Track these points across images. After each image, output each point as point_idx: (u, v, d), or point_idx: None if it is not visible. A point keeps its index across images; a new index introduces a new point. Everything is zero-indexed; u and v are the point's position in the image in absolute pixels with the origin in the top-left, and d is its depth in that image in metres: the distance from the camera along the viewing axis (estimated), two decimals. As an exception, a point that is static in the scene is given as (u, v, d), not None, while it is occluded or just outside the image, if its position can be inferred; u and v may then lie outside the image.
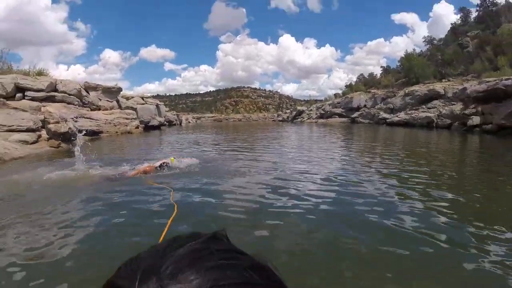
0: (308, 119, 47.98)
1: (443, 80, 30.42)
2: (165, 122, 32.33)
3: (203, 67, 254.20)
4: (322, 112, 46.23)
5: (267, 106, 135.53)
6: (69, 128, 11.92)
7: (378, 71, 50.79)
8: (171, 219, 3.36)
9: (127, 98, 27.63)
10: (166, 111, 37.97)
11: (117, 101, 24.50)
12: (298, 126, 37.43)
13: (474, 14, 40.10)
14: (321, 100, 61.03)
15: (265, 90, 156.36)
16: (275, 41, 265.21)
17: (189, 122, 53.04)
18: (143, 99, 30.00)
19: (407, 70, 36.46)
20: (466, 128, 19.58)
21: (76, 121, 15.54)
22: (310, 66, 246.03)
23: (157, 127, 27.41)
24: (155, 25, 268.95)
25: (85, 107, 20.16)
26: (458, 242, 3.05)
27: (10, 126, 10.36)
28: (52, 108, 14.73)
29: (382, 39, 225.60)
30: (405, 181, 5.99)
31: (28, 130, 10.56)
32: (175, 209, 3.68)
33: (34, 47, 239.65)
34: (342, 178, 6.05)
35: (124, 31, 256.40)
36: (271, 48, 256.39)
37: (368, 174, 6.64)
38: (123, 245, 2.91)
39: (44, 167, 6.87)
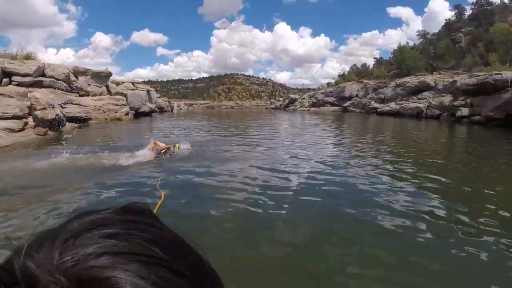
0: (301, 107, 48.12)
1: (434, 72, 30.89)
2: (156, 109, 31.84)
3: (196, 52, 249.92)
4: (315, 100, 46.43)
5: (260, 93, 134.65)
6: (57, 115, 11.68)
7: (371, 62, 50.87)
8: (157, 205, 3.46)
9: (117, 84, 26.84)
10: (157, 97, 37.32)
11: (107, 87, 23.82)
12: (291, 114, 37.73)
13: (468, 11, 40.50)
14: (314, 89, 61.46)
15: (258, 77, 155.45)
16: (270, 28, 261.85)
17: (180, 108, 52.59)
18: (133, 85, 29.21)
19: (399, 62, 36.85)
20: (455, 119, 20.27)
21: (64, 108, 15.26)
22: (304, 55, 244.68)
23: (148, 114, 26.95)
24: (149, 7, 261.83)
25: (73, 92, 19.63)
26: (444, 226, 3.34)
27: (-4, 113, 10.12)
28: (39, 93, 14.38)
29: (376, 31, 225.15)
30: (394, 166, 6.31)
31: (14, 117, 10.27)
32: (162, 196, 3.80)
33: (24, 29, 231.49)
34: (332, 164, 6.32)
35: (117, 13, 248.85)
36: (266, 35, 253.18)
37: (358, 161, 6.91)
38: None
39: (33, 156, 6.78)
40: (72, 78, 20.51)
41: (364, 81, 40.14)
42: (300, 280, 2.39)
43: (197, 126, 17.37)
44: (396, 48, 40.08)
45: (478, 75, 20.22)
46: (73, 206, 3.80)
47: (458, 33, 35.80)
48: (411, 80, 29.72)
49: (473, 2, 39.83)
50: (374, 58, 54.08)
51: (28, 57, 19.28)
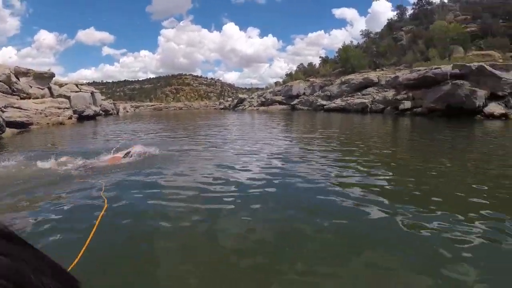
0: (250, 106, 47.64)
1: (377, 69, 32.16)
2: (101, 112, 29.92)
3: (143, 52, 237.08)
4: (263, 99, 46.34)
5: (209, 94, 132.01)
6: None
7: (317, 61, 51.88)
8: (101, 213, 3.34)
9: (60, 85, 25.29)
10: (102, 99, 35.02)
11: (49, 89, 22.16)
12: (239, 113, 37.04)
13: (410, 11, 43.19)
14: (262, 89, 61.51)
15: (207, 78, 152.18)
16: (218, 28, 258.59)
17: (127, 111, 48.85)
18: (77, 86, 27.46)
19: (344, 60, 37.95)
20: (398, 112, 20.98)
21: (3, 112, 13.64)
22: (252, 55, 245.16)
23: (92, 117, 25.43)
24: (95, 5, 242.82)
25: (14, 95, 17.70)
26: (394, 212, 3.33)
27: None
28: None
29: (322, 32, 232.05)
30: (342, 159, 6.32)
31: None
32: (105, 203, 3.68)
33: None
34: (282, 161, 6.16)
35: (62, 10, 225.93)
36: (214, 35, 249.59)
37: (308, 154, 6.86)
38: (52, 243, 2.70)
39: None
40: (14, 79, 18.32)
41: (311, 79, 40.89)
42: (261, 276, 2.29)
43: (144, 129, 16.07)
44: (341, 47, 41.26)
45: (419, 70, 21.17)
46: None
47: (400, 31, 37.98)
48: (355, 77, 30.58)
49: (414, 3, 42.70)
50: (320, 57, 55.28)
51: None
